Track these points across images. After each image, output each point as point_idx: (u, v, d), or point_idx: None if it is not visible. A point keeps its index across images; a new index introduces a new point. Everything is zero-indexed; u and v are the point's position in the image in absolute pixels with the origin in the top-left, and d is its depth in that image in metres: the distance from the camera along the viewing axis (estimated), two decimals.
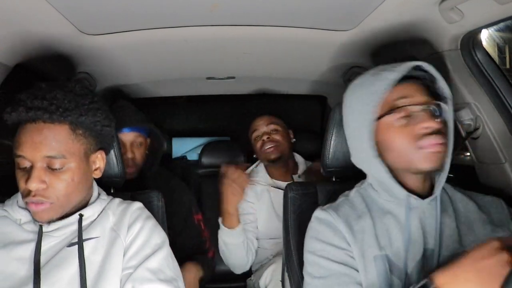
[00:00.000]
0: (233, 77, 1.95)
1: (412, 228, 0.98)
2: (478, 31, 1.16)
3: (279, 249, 1.74)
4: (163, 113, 2.79)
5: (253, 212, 1.87)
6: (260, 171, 1.98)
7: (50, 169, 0.94)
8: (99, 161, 1.05)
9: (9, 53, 1.19)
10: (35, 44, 1.26)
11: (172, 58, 1.63)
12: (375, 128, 0.98)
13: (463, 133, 1.32)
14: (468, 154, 1.39)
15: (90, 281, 0.95)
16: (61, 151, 0.94)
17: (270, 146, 1.88)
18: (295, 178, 1.95)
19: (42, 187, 0.92)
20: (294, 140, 2.00)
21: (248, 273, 1.98)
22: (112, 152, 1.21)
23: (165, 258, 1.01)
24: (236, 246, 1.75)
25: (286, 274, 1.31)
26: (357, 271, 0.96)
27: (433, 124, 0.93)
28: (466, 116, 1.26)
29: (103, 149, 1.07)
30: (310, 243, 1.03)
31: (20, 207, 1.01)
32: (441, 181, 0.99)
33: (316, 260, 1.00)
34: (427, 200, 0.98)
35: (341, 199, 1.09)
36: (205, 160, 2.34)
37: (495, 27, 1.14)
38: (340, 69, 1.77)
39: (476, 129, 1.26)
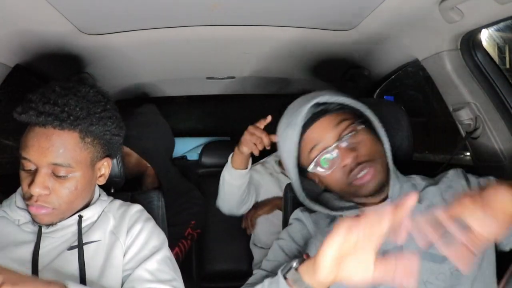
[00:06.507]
0: (233, 77, 1.95)
1: None
2: (478, 31, 1.16)
3: None
4: (163, 113, 2.78)
5: (258, 179, 1.85)
6: (270, 161, 1.98)
7: (55, 175, 0.92)
8: (104, 168, 1.04)
9: (9, 53, 1.19)
10: (35, 44, 1.26)
11: (172, 58, 1.63)
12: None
13: (463, 133, 1.32)
14: (468, 154, 1.39)
15: (90, 285, 0.94)
16: (68, 159, 0.92)
17: None
18: None
19: (45, 193, 0.91)
20: None
21: (249, 272, 1.97)
22: None
23: (163, 259, 1.00)
24: (234, 187, 1.67)
25: None
26: None
27: (348, 161, 0.95)
28: (465, 116, 1.26)
29: (109, 156, 1.05)
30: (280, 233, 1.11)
31: (18, 207, 1.00)
32: (392, 191, 0.99)
33: (274, 245, 1.07)
34: (371, 207, 1.00)
35: None
36: (205, 160, 2.34)
37: (495, 27, 1.13)
38: (339, 69, 1.77)
39: (476, 129, 1.26)
